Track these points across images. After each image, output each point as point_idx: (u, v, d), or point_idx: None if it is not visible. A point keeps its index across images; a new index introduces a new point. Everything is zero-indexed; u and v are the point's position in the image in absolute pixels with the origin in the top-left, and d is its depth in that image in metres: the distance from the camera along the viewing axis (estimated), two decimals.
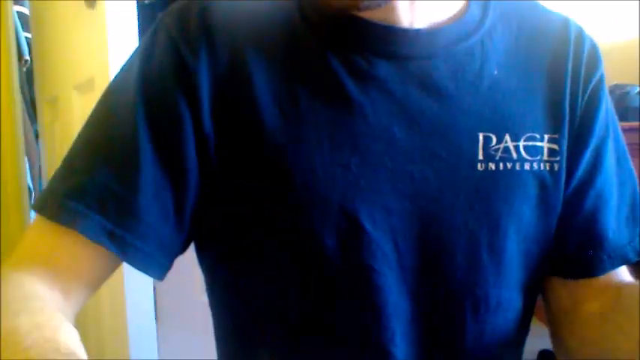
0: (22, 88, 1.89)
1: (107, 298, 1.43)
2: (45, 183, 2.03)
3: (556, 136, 0.57)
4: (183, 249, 0.57)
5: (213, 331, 0.63)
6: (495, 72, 0.56)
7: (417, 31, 0.55)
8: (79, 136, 0.56)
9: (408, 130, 0.53)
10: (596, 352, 0.56)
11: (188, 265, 0.64)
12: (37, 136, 2.04)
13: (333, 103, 0.53)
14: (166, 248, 0.53)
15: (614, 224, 0.59)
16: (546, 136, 0.56)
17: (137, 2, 1.37)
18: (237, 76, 0.53)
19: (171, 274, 0.55)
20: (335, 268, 0.53)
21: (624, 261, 0.59)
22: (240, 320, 0.59)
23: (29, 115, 2.02)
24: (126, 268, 0.54)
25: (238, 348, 0.60)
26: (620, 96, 1.62)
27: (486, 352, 0.57)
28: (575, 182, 0.58)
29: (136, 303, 1.36)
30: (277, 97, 0.53)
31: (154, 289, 1.45)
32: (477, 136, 0.54)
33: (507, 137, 0.55)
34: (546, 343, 0.63)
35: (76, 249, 0.51)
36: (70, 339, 0.43)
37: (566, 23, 0.60)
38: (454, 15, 0.57)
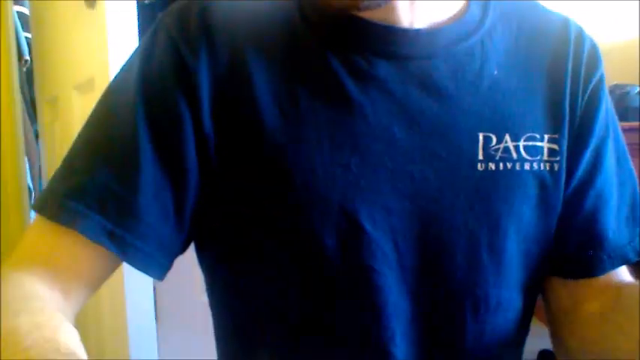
0: (22, 88, 1.89)
1: (107, 298, 1.43)
2: (45, 183, 2.03)
3: (556, 136, 0.57)
4: (183, 249, 0.57)
5: (213, 331, 0.63)
6: (495, 72, 0.56)
7: (417, 31, 0.55)
8: (79, 136, 0.56)
9: (408, 130, 0.53)
10: (596, 352, 0.56)
11: (188, 265, 0.64)
12: (37, 136, 2.04)
13: (333, 103, 0.53)
14: (166, 248, 0.53)
15: (614, 224, 0.59)
16: (546, 136, 0.56)
17: (137, 2, 1.37)
18: (237, 76, 0.53)
19: (171, 274, 0.55)
20: (335, 268, 0.53)
21: (624, 261, 0.59)
22: (240, 320, 0.59)
23: (29, 115, 2.02)
24: (126, 268, 0.54)
25: (238, 348, 0.60)
26: (620, 96, 1.62)
27: (486, 352, 0.57)
28: (575, 182, 0.58)
29: (136, 303, 1.36)
30: (277, 97, 0.53)
31: (154, 289, 1.45)
32: (477, 136, 0.54)
33: (507, 137, 0.55)
34: (546, 343, 0.63)
35: (76, 249, 0.51)
36: (70, 339, 0.43)
37: (566, 23, 0.60)
38: (454, 15, 0.57)
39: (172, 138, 0.53)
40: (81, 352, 0.42)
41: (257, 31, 0.55)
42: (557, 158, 0.56)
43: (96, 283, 0.54)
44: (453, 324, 0.56)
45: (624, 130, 0.63)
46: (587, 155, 0.58)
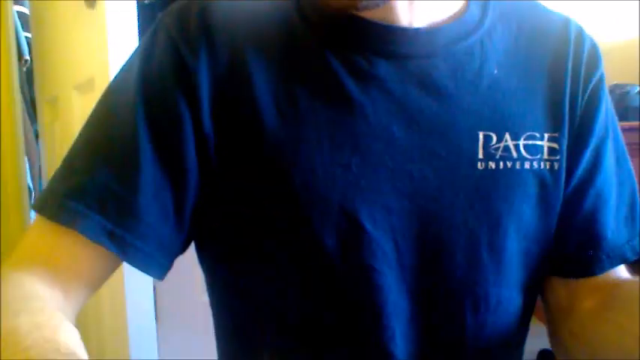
0: (22, 88, 1.89)
1: (107, 298, 1.43)
2: (45, 183, 2.03)
3: (556, 134, 0.57)
4: (183, 249, 0.57)
5: (213, 331, 0.63)
6: (495, 71, 0.56)
7: (417, 30, 0.55)
8: (79, 136, 0.56)
9: (407, 129, 0.53)
10: (595, 351, 0.56)
11: (188, 265, 0.64)
12: (37, 136, 2.04)
13: (333, 103, 0.53)
14: (166, 248, 0.53)
15: (612, 224, 0.59)
16: (546, 135, 0.56)
17: (137, 2, 1.36)
18: (237, 76, 0.53)
19: (171, 274, 0.55)
20: (335, 268, 0.53)
21: (623, 260, 0.60)
22: (240, 320, 0.59)
23: (29, 115, 2.02)
24: (126, 268, 0.54)
25: (238, 348, 0.60)
26: (620, 96, 1.62)
27: (486, 351, 0.57)
28: (575, 181, 0.58)
29: (136, 303, 1.36)
30: (277, 97, 0.53)
31: (154, 289, 1.45)
32: (477, 135, 0.54)
33: (507, 136, 0.55)
34: (546, 343, 0.63)
35: (76, 249, 0.51)
36: (71, 339, 0.43)
37: (566, 23, 0.60)
38: (453, 14, 0.57)
39: (172, 138, 0.53)
40: (81, 351, 0.42)
41: (257, 31, 0.55)
42: (557, 157, 0.57)
43: (96, 283, 0.54)
44: (453, 323, 0.56)
45: (624, 130, 0.63)
46: (587, 155, 0.58)
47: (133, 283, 1.33)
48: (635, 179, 0.62)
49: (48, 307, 0.47)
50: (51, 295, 0.50)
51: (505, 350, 0.60)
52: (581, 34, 0.60)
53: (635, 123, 1.51)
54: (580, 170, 0.58)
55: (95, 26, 1.36)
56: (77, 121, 1.54)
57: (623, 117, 1.55)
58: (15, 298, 0.47)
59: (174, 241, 0.54)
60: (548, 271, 0.60)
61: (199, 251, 0.60)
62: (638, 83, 1.67)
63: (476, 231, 0.54)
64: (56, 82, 1.77)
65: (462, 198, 0.54)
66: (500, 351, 0.59)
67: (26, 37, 2.02)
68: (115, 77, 0.57)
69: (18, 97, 1.78)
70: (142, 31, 1.34)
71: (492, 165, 0.54)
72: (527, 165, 0.55)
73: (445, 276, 0.55)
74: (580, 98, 0.58)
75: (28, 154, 1.93)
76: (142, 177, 0.52)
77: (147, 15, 1.49)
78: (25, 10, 2.07)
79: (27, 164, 1.88)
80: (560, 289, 0.61)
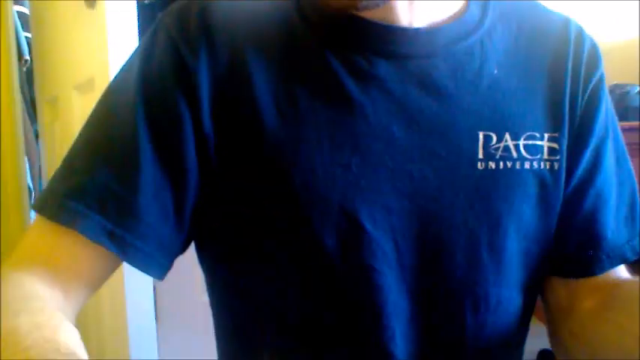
0: (22, 88, 1.89)
1: (107, 298, 1.43)
2: (45, 183, 2.03)
3: (556, 134, 0.57)
4: (183, 249, 0.57)
5: (213, 331, 0.63)
6: (495, 71, 0.56)
7: (417, 30, 0.55)
8: (79, 136, 0.56)
9: (407, 129, 0.53)
10: (595, 351, 0.56)
11: (188, 265, 0.64)
12: (37, 136, 2.04)
13: (333, 103, 0.53)
14: (166, 248, 0.53)
15: (612, 224, 0.59)
16: (546, 135, 0.56)
17: (137, 2, 1.36)
18: (237, 76, 0.53)
19: (171, 274, 0.55)
20: (335, 268, 0.53)
21: (623, 260, 0.60)
22: (240, 320, 0.59)
23: (29, 115, 2.02)
24: (126, 268, 0.54)
25: (238, 348, 0.60)
26: (620, 96, 1.62)
27: (486, 351, 0.57)
28: (575, 181, 0.58)
29: (136, 303, 1.36)
30: (277, 97, 0.53)
31: (154, 289, 1.45)
32: (477, 135, 0.54)
33: (507, 136, 0.55)
34: (546, 343, 0.63)
35: (76, 249, 0.51)
36: (71, 339, 0.43)
37: (566, 23, 0.60)
38: (453, 15, 0.57)
39: (172, 138, 0.53)
40: (81, 351, 0.42)
41: (257, 31, 0.55)
42: (557, 157, 0.57)
43: (96, 283, 0.54)
44: (453, 323, 0.56)
45: (624, 130, 0.63)
46: (587, 155, 0.58)
47: (133, 283, 1.33)
48: (635, 179, 0.62)
49: (48, 308, 0.47)
50: (51, 295, 0.50)
51: (505, 350, 0.60)
52: (581, 34, 0.60)
53: (635, 123, 1.51)
54: (580, 170, 0.58)
55: (95, 26, 1.36)
56: (77, 121, 1.54)
57: (623, 117, 1.55)
58: (15, 298, 0.47)
59: (174, 241, 0.54)
60: (548, 271, 0.60)
61: (199, 251, 0.60)
62: (638, 83, 1.67)
63: (476, 231, 0.54)
64: (56, 82, 1.77)
65: (462, 198, 0.54)
66: (500, 351, 0.59)
67: (26, 37, 2.02)
68: (115, 77, 0.57)
69: (18, 97, 1.78)
70: (142, 31, 1.34)
71: (492, 165, 0.54)
72: (527, 165, 0.55)
73: (445, 276, 0.55)
74: (580, 98, 0.58)
75: (28, 154, 1.93)
76: (142, 177, 0.52)
77: (147, 15, 1.49)
78: (25, 10, 2.07)
79: (27, 164, 1.88)
80: (560, 289, 0.61)
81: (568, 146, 0.57)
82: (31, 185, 1.94)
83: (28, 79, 2.06)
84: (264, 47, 0.54)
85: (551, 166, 0.56)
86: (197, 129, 0.53)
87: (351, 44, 0.54)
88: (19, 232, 1.68)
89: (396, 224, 0.53)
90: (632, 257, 0.60)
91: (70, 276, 0.52)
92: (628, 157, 0.62)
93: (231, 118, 0.53)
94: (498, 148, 0.55)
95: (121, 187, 0.51)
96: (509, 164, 0.55)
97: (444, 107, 0.54)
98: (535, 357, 1.78)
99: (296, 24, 0.55)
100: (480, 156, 0.54)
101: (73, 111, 1.58)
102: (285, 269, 0.54)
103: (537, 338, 0.72)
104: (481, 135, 0.54)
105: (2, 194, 1.67)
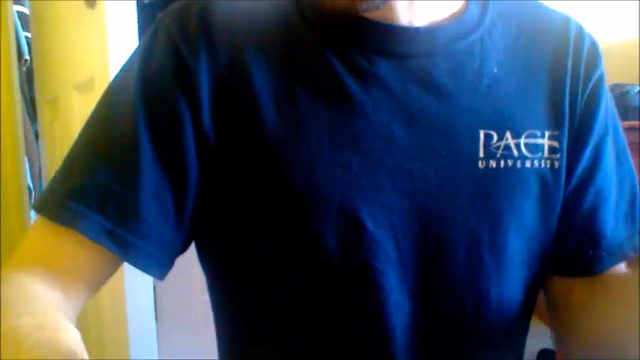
0: (22, 88, 1.89)
1: (107, 298, 1.43)
2: (45, 183, 2.03)
3: (556, 133, 0.57)
4: (183, 249, 0.57)
5: (213, 331, 0.63)
6: (495, 70, 0.56)
7: (417, 29, 0.55)
8: (80, 136, 0.56)
9: (407, 128, 0.53)
10: (597, 347, 0.57)
11: (188, 265, 0.64)
12: (37, 136, 2.04)
13: (334, 102, 0.53)
14: (167, 248, 0.53)
15: (612, 222, 0.59)
16: (547, 133, 0.56)
17: (137, 2, 1.36)
18: (237, 76, 0.53)
19: (171, 274, 0.55)
20: (335, 268, 0.53)
21: (623, 257, 0.59)
22: (240, 320, 0.59)
23: (29, 115, 2.02)
24: (126, 268, 0.54)
25: (238, 348, 0.60)
26: (620, 95, 1.62)
27: (487, 350, 0.57)
28: (575, 180, 0.58)
29: (136, 303, 1.36)
30: (277, 97, 0.53)
31: (154, 289, 1.45)
32: (478, 134, 0.54)
33: (508, 134, 0.55)
34: (546, 343, 0.63)
35: (76, 249, 0.51)
36: (72, 339, 0.43)
37: (566, 22, 0.60)
38: (453, 14, 0.57)
39: (172, 138, 0.53)
40: (82, 352, 0.42)
41: (257, 31, 0.55)
42: (558, 156, 0.57)
43: (97, 284, 0.54)
44: (454, 322, 0.56)
45: (624, 130, 0.63)
46: (587, 153, 0.58)
47: (133, 283, 1.33)
48: (636, 176, 0.61)
49: (49, 309, 0.47)
50: (52, 296, 0.49)
51: (505, 349, 0.60)
52: (581, 32, 0.60)
53: (635, 122, 1.51)
54: (580, 169, 0.58)
55: (95, 26, 1.36)
56: (77, 121, 1.54)
57: (623, 116, 1.54)
58: (16, 300, 0.47)
59: (174, 240, 0.54)
60: (549, 270, 0.60)
61: (199, 251, 0.60)
62: (638, 83, 1.67)
63: (477, 230, 0.54)
64: (56, 82, 1.77)
65: (462, 197, 0.54)
66: (501, 350, 0.59)
67: (26, 37, 2.02)
68: (115, 77, 0.57)
69: (18, 97, 1.78)
70: (142, 31, 1.34)
71: (493, 164, 0.54)
72: (528, 164, 0.55)
73: (446, 275, 0.55)
74: (580, 97, 0.58)
75: (28, 154, 1.93)
76: (142, 177, 0.52)
77: (147, 15, 1.49)
78: (25, 10, 2.07)
79: (27, 164, 1.88)
80: (561, 286, 0.61)
81: (568, 145, 0.57)
82: (31, 185, 1.94)
83: (28, 79, 2.06)
84: (264, 47, 0.54)
85: (552, 164, 0.56)
86: (197, 129, 0.53)
87: (351, 43, 0.54)
88: (19, 232, 1.68)
89: (397, 223, 0.53)
90: (633, 254, 0.60)
91: (71, 277, 0.52)
92: (629, 154, 0.62)
93: (231, 118, 0.53)
94: (499, 146, 0.55)
95: (122, 187, 0.51)
96: (510, 163, 0.55)
97: (444, 106, 0.54)
98: (535, 357, 1.78)
99: (296, 24, 0.55)
100: (481, 155, 0.54)
101: (73, 111, 1.58)
102: (286, 269, 0.54)
103: (537, 338, 0.72)
104: (482, 133, 0.54)
105: (2, 194, 1.67)
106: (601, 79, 0.60)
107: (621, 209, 0.60)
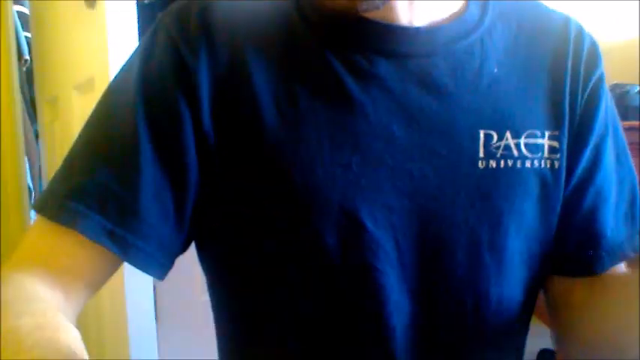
0: (22, 88, 1.89)
1: (107, 298, 1.43)
2: (45, 183, 2.03)
3: (556, 133, 0.57)
4: (183, 249, 0.57)
5: (213, 331, 0.63)
6: (495, 70, 0.56)
7: (417, 29, 0.55)
8: (80, 136, 0.56)
9: (407, 128, 0.53)
10: (597, 347, 0.57)
11: (188, 265, 0.64)
12: (37, 136, 2.04)
13: (334, 102, 0.53)
14: (167, 248, 0.53)
15: (612, 222, 0.59)
16: (547, 133, 0.56)
17: (137, 2, 1.37)
18: (237, 76, 0.53)
19: (171, 274, 0.55)
20: (335, 268, 0.53)
21: (623, 257, 0.59)
22: (240, 320, 0.59)
23: (29, 115, 2.02)
24: (126, 268, 0.54)
25: (238, 348, 0.60)
26: (620, 95, 1.62)
27: (487, 350, 0.57)
28: (575, 180, 0.58)
29: (136, 303, 1.36)
30: (277, 97, 0.53)
31: (154, 289, 1.45)
32: (478, 134, 0.54)
33: (508, 134, 0.55)
34: (546, 343, 0.63)
35: (76, 249, 0.51)
36: (72, 339, 0.43)
37: (566, 22, 0.60)
38: (453, 14, 0.57)
39: (172, 138, 0.53)
40: (82, 352, 0.42)
41: (257, 31, 0.55)
42: (558, 156, 0.57)
43: (97, 284, 0.54)
44: (454, 322, 0.56)
45: (624, 130, 0.63)
46: (587, 153, 0.58)
47: (133, 283, 1.33)
48: (636, 176, 0.61)
49: (49, 309, 0.47)
50: (52, 296, 0.49)
51: (505, 349, 0.60)
52: (581, 32, 0.60)
53: (635, 122, 1.51)
54: (580, 169, 0.58)
55: (95, 26, 1.36)
56: (77, 121, 1.54)
57: (623, 116, 1.54)
58: (16, 300, 0.47)
59: (174, 240, 0.54)
60: (549, 270, 0.60)
61: (199, 251, 0.60)
62: (638, 83, 1.67)
63: (477, 230, 0.54)
64: (56, 82, 1.77)
65: (462, 197, 0.54)
66: (501, 349, 0.59)
67: (26, 37, 2.02)
68: (115, 77, 0.57)
69: (18, 97, 1.78)
70: (142, 31, 1.34)
71: (493, 164, 0.54)
72: (528, 164, 0.55)
73: (446, 275, 0.55)
74: (580, 97, 0.58)
75: (28, 154, 1.93)
76: (142, 177, 0.52)
77: (147, 15, 1.49)
78: (25, 10, 2.07)
79: (27, 164, 1.88)
80: (561, 286, 0.61)
81: (568, 145, 0.57)
82: (31, 185, 1.94)
83: (28, 79, 2.06)
84: (264, 47, 0.54)
85: (552, 164, 0.56)
86: (197, 129, 0.53)
87: (351, 43, 0.54)
88: (19, 232, 1.68)
89: (397, 223, 0.53)
90: (633, 254, 0.60)
91: (71, 277, 0.52)
92: (629, 154, 0.62)
93: (231, 118, 0.53)
94: (499, 146, 0.55)
95: (122, 187, 0.51)
96: (510, 163, 0.55)
97: (444, 106, 0.54)
98: (535, 357, 1.78)
99: (296, 24, 0.55)
100: (481, 155, 0.54)
101: (73, 111, 1.58)
102: (286, 269, 0.54)
103: (537, 338, 0.72)
104: (482, 133, 0.54)
105: (2, 194, 1.67)
106: (601, 79, 0.60)
107: (621, 209, 0.60)
